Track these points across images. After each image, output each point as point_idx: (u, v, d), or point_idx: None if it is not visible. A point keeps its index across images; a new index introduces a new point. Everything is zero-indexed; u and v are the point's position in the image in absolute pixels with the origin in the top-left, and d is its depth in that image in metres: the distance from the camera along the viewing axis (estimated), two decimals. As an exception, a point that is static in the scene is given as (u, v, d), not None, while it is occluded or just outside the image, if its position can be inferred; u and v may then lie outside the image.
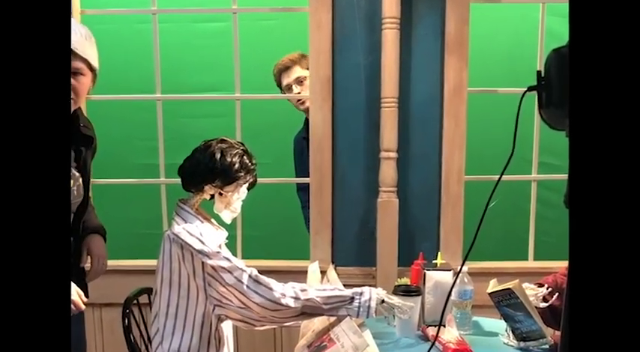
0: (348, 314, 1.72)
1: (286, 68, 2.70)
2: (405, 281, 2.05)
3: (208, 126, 2.74)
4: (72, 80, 1.72)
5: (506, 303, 1.75)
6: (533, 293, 1.79)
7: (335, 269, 2.41)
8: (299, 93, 2.67)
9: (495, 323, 1.96)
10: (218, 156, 1.79)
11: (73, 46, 1.68)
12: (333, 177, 2.47)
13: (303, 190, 2.67)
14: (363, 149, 2.46)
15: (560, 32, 2.30)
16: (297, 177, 2.78)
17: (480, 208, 1.17)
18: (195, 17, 3.18)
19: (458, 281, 1.87)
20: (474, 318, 2.00)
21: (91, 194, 2.01)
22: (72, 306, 1.64)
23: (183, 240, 1.73)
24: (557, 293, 1.79)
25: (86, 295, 1.80)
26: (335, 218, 2.49)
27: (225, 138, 1.85)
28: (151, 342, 1.87)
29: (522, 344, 1.78)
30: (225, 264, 1.72)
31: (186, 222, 1.78)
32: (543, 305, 1.79)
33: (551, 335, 1.77)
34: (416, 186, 2.47)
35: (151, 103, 2.61)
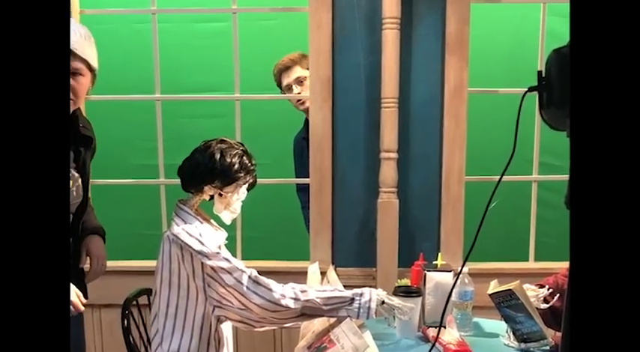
0: (348, 315, 1.71)
1: (286, 68, 2.69)
2: (406, 282, 2.05)
3: (208, 127, 2.74)
4: (71, 80, 1.71)
5: (506, 304, 1.75)
6: (534, 295, 1.79)
7: (335, 270, 2.40)
8: (299, 93, 2.66)
9: (496, 325, 1.96)
10: (218, 156, 1.78)
11: (72, 47, 1.67)
12: (333, 177, 2.47)
13: (303, 191, 2.66)
14: (363, 149, 2.45)
15: (561, 32, 2.30)
16: (297, 177, 2.77)
17: (480, 209, 1.17)
18: (194, 17, 3.17)
19: (458, 282, 1.87)
20: (475, 319, 2.00)
21: (90, 194, 2.00)
22: (71, 307, 1.64)
23: (182, 241, 1.73)
24: (558, 294, 1.79)
25: (85, 296, 1.79)
26: (335, 218, 2.49)
27: (224, 139, 1.84)
28: (150, 343, 1.86)
29: (523, 345, 1.77)
30: (224, 264, 1.72)
31: (185, 223, 1.78)
32: (544, 306, 1.79)
33: (552, 336, 1.76)
34: (416, 186, 2.46)
35: (150, 104, 2.60)
